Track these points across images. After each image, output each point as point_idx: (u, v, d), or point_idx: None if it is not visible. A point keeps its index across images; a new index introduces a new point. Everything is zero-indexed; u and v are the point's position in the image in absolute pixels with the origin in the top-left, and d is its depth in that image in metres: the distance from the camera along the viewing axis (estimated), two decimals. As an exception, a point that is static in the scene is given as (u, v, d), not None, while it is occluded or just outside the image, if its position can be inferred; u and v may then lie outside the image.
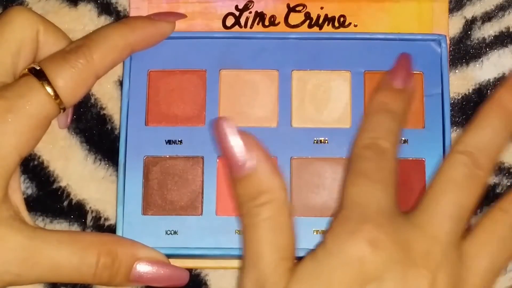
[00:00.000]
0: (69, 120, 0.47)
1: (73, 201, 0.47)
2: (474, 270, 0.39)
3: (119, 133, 0.46)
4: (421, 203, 0.40)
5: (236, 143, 0.40)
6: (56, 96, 0.41)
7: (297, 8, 0.47)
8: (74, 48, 0.43)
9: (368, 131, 0.42)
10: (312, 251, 0.39)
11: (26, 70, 0.42)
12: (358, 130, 0.42)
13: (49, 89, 0.41)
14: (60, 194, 0.47)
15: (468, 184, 0.40)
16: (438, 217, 0.39)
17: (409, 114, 0.43)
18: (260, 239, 0.39)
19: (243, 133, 0.40)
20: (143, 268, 0.42)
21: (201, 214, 0.45)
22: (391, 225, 0.38)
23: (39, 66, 0.42)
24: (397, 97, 0.43)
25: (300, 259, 0.39)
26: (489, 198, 0.45)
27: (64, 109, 0.42)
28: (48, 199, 0.47)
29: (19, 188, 0.42)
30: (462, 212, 0.39)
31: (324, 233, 0.39)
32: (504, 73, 0.48)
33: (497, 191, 0.47)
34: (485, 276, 0.39)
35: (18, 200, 0.42)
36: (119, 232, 0.44)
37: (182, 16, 0.47)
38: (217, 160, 0.45)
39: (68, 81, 0.42)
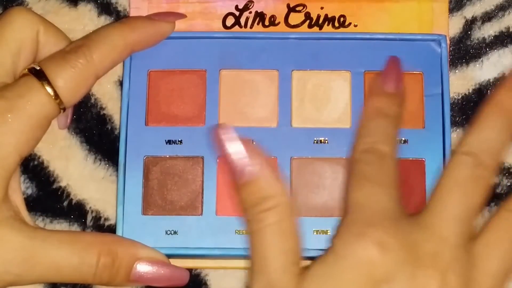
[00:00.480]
0: (68, 120, 0.47)
1: (73, 201, 0.47)
2: (484, 271, 0.39)
3: (119, 133, 0.46)
4: (427, 205, 0.40)
5: (234, 150, 0.39)
6: (56, 96, 0.41)
7: (297, 8, 0.47)
8: (74, 48, 0.43)
9: (366, 136, 0.42)
10: (321, 256, 0.39)
11: (26, 70, 0.42)
12: (355, 136, 0.42)
13: (49, 89, 0.41)
14: (60, 194, 0.47)
15: (473, 184, 0.40)
16: (445, 218, 0.39)
17: (404, 114, 0.43)
18: (267, 244, 0.39)
19: (242, 139, 0.40)
20: (143, 268, 0.42)
21: (201, 214, 0.45)
22: (397, 227, 0.38)
23: (39, 66, 0.42)
24: (390, 100, 0.43)
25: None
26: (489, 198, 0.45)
27: (64, 109, 0.42)
28: (48, 199, 0.47)
29: (19, 188, 0.42)
30: (468, 213, 0.39)
31: (332, 238, 0.39)
32: (504, 73, 0.48)
33: (498, 191, 0.47)
34: (496, 276, 0.39)
35: (18, 200, 0.42)
36: (119, 232, 0.44)
37: (182, 16, 0.47)
38: (217, 160, 0.45)
39: (68, 81, 0.42)
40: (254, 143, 0.40)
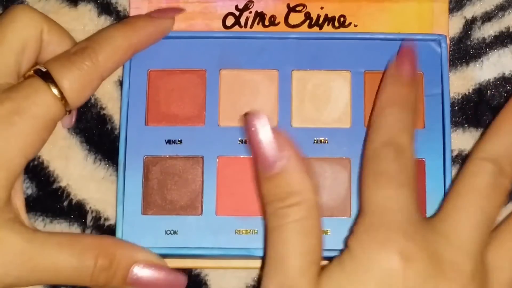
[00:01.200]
0: (73, 120, 0.47)
1: (73, 201, 0.47)
2: (498, 281, 0.39)
3: (119, 133, 0.46)
4: (444, 210, 0.40)
5: (266, 140, 0.38)
6: (62, 97, 0.41)
7: (297, 8, 0.47)
8: (79, 50, 0.43)
9: (382, 128, 0.41)
10: (337, 258, 0.38)
11: (32, 71, 0.42)
12: (371, 127, 0.41)
13: (55, 91, 0.41)
14: (60, 194, 0.47)
15: (493, 192, 0.39)
16: (464, 226, 0.39)
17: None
18: (287, 242, 0.38)
19: (275, 130, 0.39)
20: (140, 271, 0.42)
21: (201, 214, 0.45)
22: (419, 234, 0.38)
23: (45, 67, 0.42)
24: (405, 88, 0.42)
25: None
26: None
27: (69, 111, 0.42)
28: (48, 199, 0.47)
29: (21, 190, 0.42)
30: (487, 220, 0.39)
31: (348, 239, 0.39)
32: (504, 73, 0.48)
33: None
34: (509, 285, 0.39)
35: (19, 202, 0.42)
36: (119, 232, 0.44)
37: (181, 10, 0.47)
38: (217, 160, 0.45)
39: (74, 83, 0.41)
40: (287, 136, 0.39)
